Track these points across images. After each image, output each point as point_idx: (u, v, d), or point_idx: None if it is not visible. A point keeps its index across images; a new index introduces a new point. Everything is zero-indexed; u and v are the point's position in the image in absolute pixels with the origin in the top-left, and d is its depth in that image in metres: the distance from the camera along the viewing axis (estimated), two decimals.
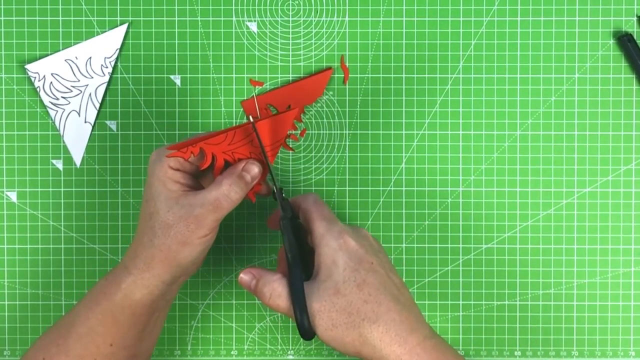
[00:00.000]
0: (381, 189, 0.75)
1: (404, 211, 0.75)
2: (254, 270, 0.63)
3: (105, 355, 0.63)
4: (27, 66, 0.74)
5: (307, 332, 0.61)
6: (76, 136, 0.74)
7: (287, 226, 0.64)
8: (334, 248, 0.61)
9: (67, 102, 0.74)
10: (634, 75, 0.74)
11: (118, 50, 0.74)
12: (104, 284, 0.63)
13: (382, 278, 0.61)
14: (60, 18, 0.74)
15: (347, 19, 0.74)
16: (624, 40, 0.73)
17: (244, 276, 0.63)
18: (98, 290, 0.63)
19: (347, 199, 0.75)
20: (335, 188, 0.75)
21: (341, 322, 0.60)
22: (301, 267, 0.63)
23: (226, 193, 0.62)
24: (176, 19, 0.74)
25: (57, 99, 0.74)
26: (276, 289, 0.62)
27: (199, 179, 0.66)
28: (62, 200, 0.75)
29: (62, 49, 0.74)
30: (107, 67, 0.74)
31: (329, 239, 0.62)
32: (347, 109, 0.75)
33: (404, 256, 0.75)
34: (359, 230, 0.65)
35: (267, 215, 0.75)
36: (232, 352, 0.75)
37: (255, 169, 0.64)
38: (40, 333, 0.72)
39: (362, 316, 0.60)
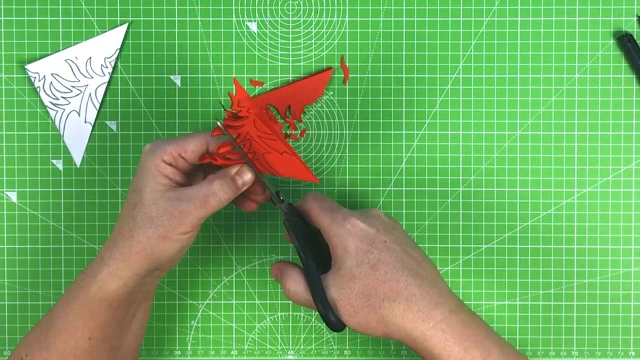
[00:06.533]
0: (381, 189, 0.74)
1: (404, 211, 0.74)
2: (280, 264, 0.65)
3: (85, 350, 0.63)
4: (27, 66, 0.74)
5: (333, 324, 0.60)
6: (76, 136, 0.74)
7: (291, 226, 0.65)
8: (342, 235, 0.61)
9: (67, 102, 0.74)
10: (634, 75, 0.74)
11: (118, 50, 0.74)
12: (81, 277, 0.63)
13: (398, 254, 0.60)
14: (60, 18, 0.74)
15: (347, 19, 0.74)
16: (624, 40, 0.73)
17: (273, 269, 0.66)
18: (76, 284, 0.63)
19: (347, 199, 0.75)
20: (335, 188, 0.75)
21: (361, 306, 0.59)
22: (315, 262, 0.62)
23: (216, 191, 0.61)
24: (176, 19, 0.74)
25: (57, 99, 0.74)
26: (293, 283, 0.63)
27: (189, 178, 0.66)
28: (62, 200, 0.75)
29: (62, 49, 0.74)
30: (107, 67, 0.74)
31: (335, 228, 0.61)
32: (347, 109, 0.75)
33: None
34: (369, 211, 0.64)
35: (267, 215, 0.75)
36: (232, 352, 0.75)
37: (248, 175, 0.64)
38: None
39: (381, 296, 0.59)
